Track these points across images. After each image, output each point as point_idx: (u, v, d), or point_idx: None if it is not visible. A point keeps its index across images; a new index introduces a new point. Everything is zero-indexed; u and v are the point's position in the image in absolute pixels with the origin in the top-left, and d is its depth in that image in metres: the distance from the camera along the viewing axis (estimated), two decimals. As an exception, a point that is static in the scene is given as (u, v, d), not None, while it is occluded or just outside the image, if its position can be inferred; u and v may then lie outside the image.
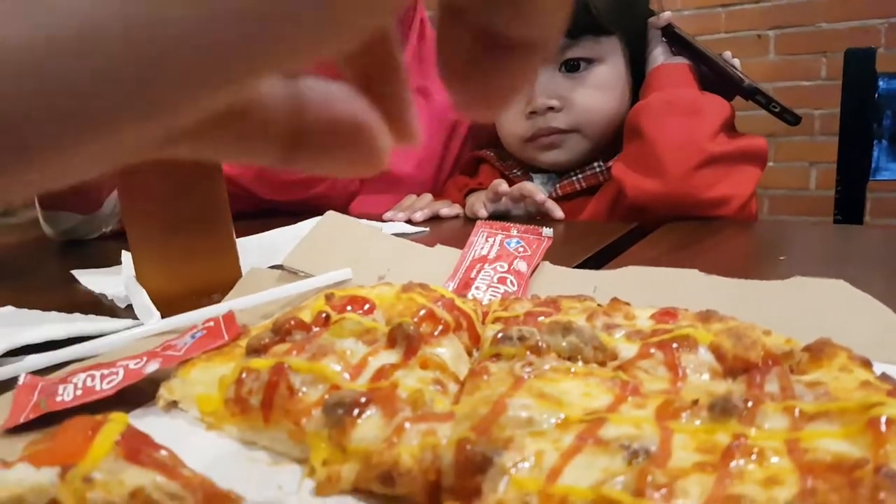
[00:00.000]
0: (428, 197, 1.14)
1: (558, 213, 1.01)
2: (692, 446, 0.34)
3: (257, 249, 0.84)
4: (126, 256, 0.69)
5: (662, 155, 0.90)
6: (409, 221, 1.02)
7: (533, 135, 1.07)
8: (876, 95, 1.43)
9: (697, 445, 0.34)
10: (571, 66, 1.03)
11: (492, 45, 0.20)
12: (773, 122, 1.02)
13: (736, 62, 1.01)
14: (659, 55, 1.02)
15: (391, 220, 1.04)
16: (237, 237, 0.70)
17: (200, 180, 0.65)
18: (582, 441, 0.34)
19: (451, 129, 1.26)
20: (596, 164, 1.08)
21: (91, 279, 0.77)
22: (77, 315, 0.62)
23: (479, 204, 1.06)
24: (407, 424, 0.35)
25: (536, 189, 1.03)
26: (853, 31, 2.37)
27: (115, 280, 0.71)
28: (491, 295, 0.59)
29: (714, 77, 0.99)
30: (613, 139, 1.04)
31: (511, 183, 1.13)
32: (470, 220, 1.04)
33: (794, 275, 0.62)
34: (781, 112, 0.98)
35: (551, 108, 1.03)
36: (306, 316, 0.46)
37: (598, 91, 1.03)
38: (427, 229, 0.97)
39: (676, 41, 1.01)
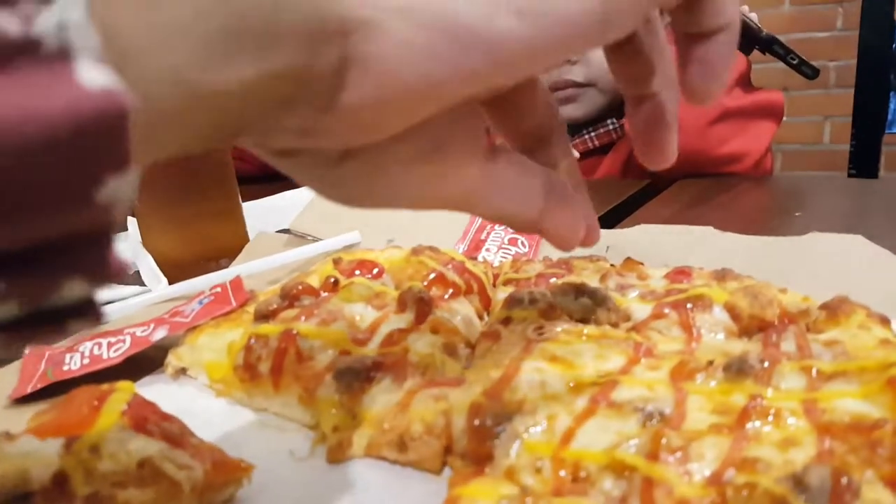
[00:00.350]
0: None
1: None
2: (708, 408, 0.33)
3: (264, 213, 0.83)
4: (131, 222, 0.68)
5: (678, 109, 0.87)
6: None
7: (548, 88, 1.04)
8: (893, 45, 1.39)
9: (713, 407, 0.33)
10: None
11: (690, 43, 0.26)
12: (787, 76, 0.99)
13: (753, 16, 0.98)
14: None
15: None
16: (242, 201, 0.69)
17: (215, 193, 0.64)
18: (595, 404, 0.33)
19: None
20: (609, 121, 1.06)
21: (99, 246, 0.77)
22: (84, 283, 0.62)
23: None
24: (419, 389, 0.35)
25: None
26: (870, -22, 2.30)
27: (121, 246, 0.71)
28: (502, 257, 0.58)
29: None
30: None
31: None
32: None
33: (810, 230, 0.61)
34: (800, 64, 0.95)
35: (567, 61, 1.01)
36: (314, 281, 0.46)
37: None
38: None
39: None
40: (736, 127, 0.87)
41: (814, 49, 2.32)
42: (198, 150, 0.20)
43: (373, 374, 0.36)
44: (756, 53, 0.97)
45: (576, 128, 1.09)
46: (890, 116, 1.36)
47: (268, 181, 1.12)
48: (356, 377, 0.35)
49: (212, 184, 0.64)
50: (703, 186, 0.84)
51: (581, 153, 1.08)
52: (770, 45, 0.94)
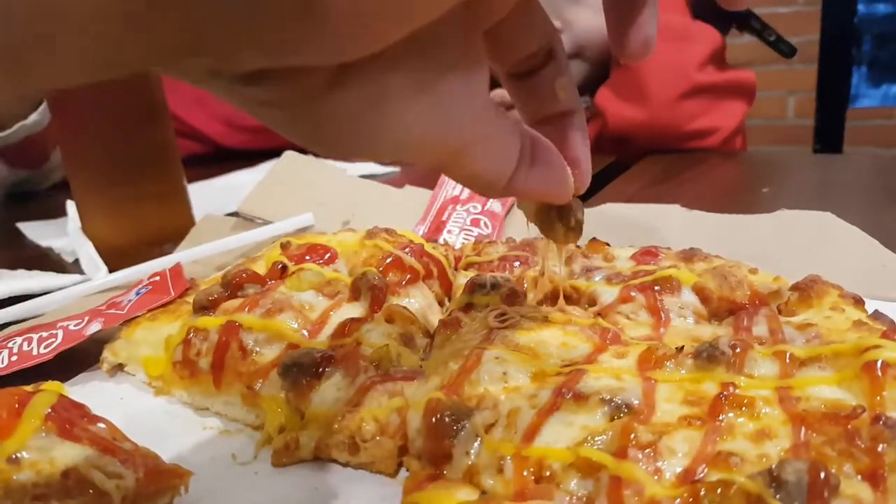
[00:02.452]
0: None
1: None
2: (678, 398, 0.31)
3: (213, 195, 0.79)
4: (71, 207, 0.64)
5: (647, 81, 0.86)
6: None
7: None
8: (855, 21, 1.39)
9: (683, 396, 0.31)
10: None
11: None
12: (751, 50, 0.98)
13: None
14: None
15: None
16: (190, 182, 0.65)
17: (145, 122, 0.60)
18: (560, 396, 0.31)
19: None
20: (584, 99, 1.03)
21: (37, 232, 0.73)
22: (20, 272, 0.58)
23: None
24: (371, 385, 0.32)
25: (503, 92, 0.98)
26: (832, -47, 2.30)
27: (62, 232, 0.67)
28: (464, 238, 0.56)
29: (708, 4, 0.94)
30: (607, 69, 0.99)
31: None
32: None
33: (778, 206, 0.60)
34: (777, 41, 0.94)
35: None
36: (260, 268, 0.43)
37: (597, 12, 0.98)
38: (398, 168, 0.93)
39: None
40: (706, 103, 0.85)
41: (776, 24, 2.32)
42: (122, 64, 0.16)
43: (322, 369, 0.33)
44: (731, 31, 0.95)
45: None
46: (853, 91, 1.36)
47: (219, 162, 1.08)
48: (303, 372, 0.33)
49: (154, 164, 0.60)
50: (670, 162, 0.82)
51: None
52: (747, 19, 0.92)
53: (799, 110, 2.37)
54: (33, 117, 0.84)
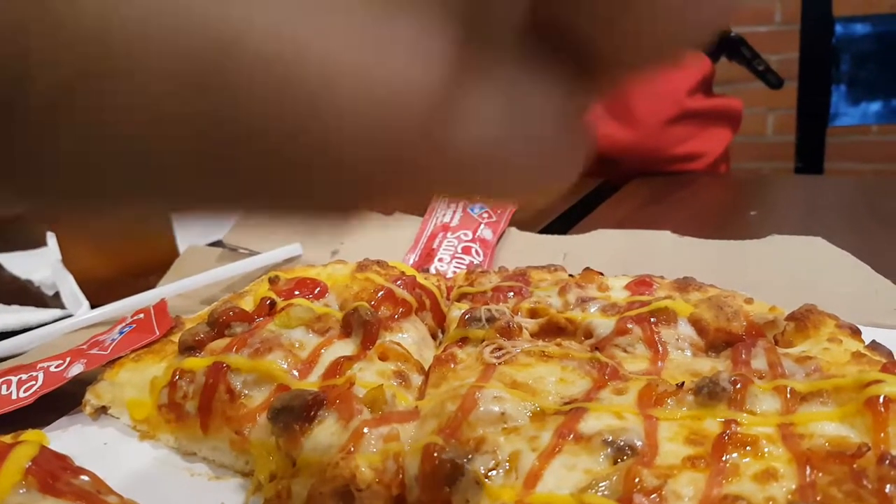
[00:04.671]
0: None
1: None
2: (681, 437, 0.31)
3: (197, 221, 0.77)
4: (51, 238, 0.63)
5: (637, 105, 0.86)
6: None
7: None
8: (833, 41, 1.41)
9: (686, 436, 0.31)
10: None
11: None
12: (731, 68, 0.99)
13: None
14: None
15: None
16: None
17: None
18: (561, 438, 0.30)
19: None
20: None
21: (17, 263, 0.71)
22: (-1, 306, 0.57)
23: None
24: (366, 429, 0.31)
25: None
26: (806, -27, 2.35)
27: (43, 263, 0.65)
28: (455, 267, 0.55)
29: None
30: None
31: None
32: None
33: (767, 229, 0.60)
34: (765, 72, 0.95)
35: None
36: (248, 304, 0.42)
37: None
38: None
39: None
40: (693, 129, 0.86)
41: (754, 43, 2.36)
42: None
43: (314, 413, 0.32)
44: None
45: None
46: (833, 109, 1.38)
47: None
48: (295, 417, 0.32)
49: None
50: (658, 184, 0.82)
51: None
52: (737, 47, 0.93)
53: (778, 127, 2.40)
54: None
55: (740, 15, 2.43)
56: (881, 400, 0.30)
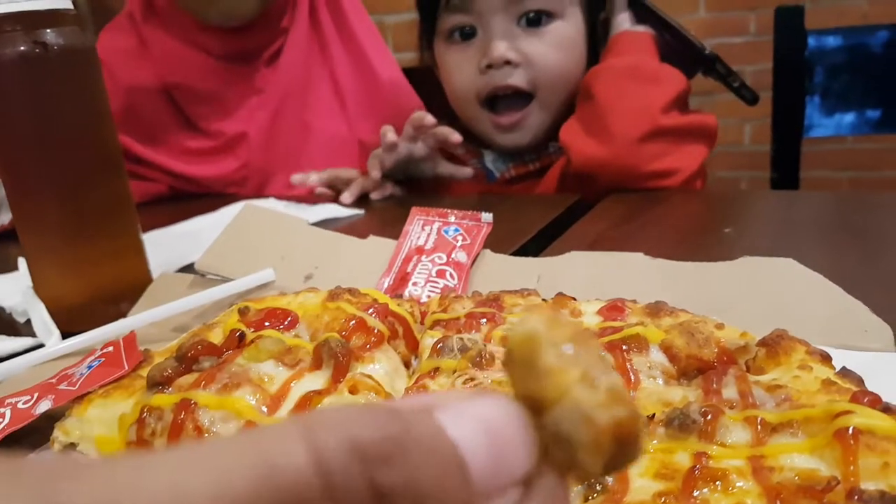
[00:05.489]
0: (352, 173, 1.05)
1: (455, 136, 0.97)
2: (651, 471, 0.31)
3: (171, 242, 0.77)
4: (22, 263, 0.61)
5: (611, 120, 0.86)
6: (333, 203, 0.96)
7: (489, 93, 1.00)
8: (806, 52, 1.43)
9: (657, 470, 0.31)
10: (531, 20, 0.97)
11: None
12: (707, 79, 1.00)
13: (703, 43, 0.98)
14: (623, 21, 0.97)
15: (301, 184, 0.99)
16: (146, 229, 0.63)
17: (101, 173, 0.58)
18: (531, 475, 0.30)
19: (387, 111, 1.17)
20: (551, 144, 1.03)
21: (-13, 288, 0.70)
22: (-33, 335, 0.56)
23: (373, 162, 0.99)
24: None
25: (423, 114, 0.98)
26: (780, -16, 2.39)
27: (14, 289, 0.64)
28: (430, 290, 0.55)
29: (677, 46, 0.95)
30: (569, 111, 0.98)
31: (459, 162, 1.08)
32: (408, 200, 0.99)
33: (740, 247, 0.60)
34: (740, 88, 0.95)
35: (508, 63, 0.97)
36: (217, 336, 0.41)
37: (557, 48, 0.98)
38: (362, 211, 0.92)
39: (641, 9, 0.97)
40: (667, 145, 0.86)
41: (730, 53, 2.38)
42: None
43: None
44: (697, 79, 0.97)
45: (517, 154, 1.06)
46: (807, 121, 1.40)
47: (175, 203, 1.06)
48: None
49: (109, 218, 0.58)
50: (632, 202, 0.83)
51: (521, 175, 1.05)
52: (712, 63, 0.94)
53: (756, 137, 2.43)
54: None
55: (717, 25, 2.46)
56: (850, 431, 0.30)
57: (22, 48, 0.52)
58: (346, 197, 0.97)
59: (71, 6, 0.56)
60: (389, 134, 0.96)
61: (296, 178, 1.01)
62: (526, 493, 0.15)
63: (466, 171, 1.04)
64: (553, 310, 0.46)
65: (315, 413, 0.15)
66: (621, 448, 0.15)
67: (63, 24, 0.55)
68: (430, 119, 0.96)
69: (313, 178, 0.99)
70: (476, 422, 0.15)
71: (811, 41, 1.42)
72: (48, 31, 0.53)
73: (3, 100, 0.53)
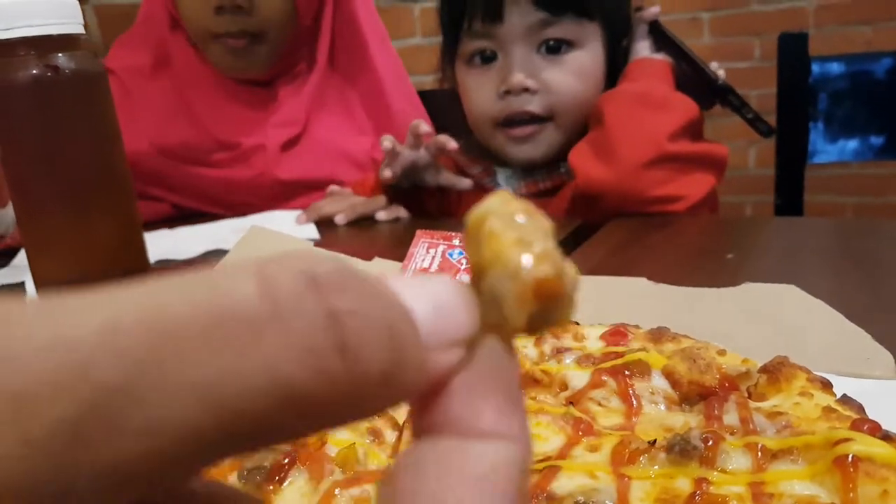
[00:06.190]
0: (346, 193, 1.06)
1: (452, 144, 0.98)
2: (652, 497, 0.31)
3: (172, 246, 0.79)
4: (29, 284, 0.62)
5: (617, 144, 0.87)
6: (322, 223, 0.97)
7: (506, 118, 1.01)
8: (810, 79, 1.44)
9: (657, 495, 0.31)
10: (550, 48, 0.98)
11: None
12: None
13: (721, 73, 0.99)
14: (642, 49, 0.98)
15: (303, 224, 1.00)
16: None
17: (109, 195, 0.59)
18: (534, 499, 0.30)
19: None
20: (562, 164, 1.04)
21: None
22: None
23: (382, 172, 1.00)
24: (337, 490, 0.31)
25: (419, 122, 0.99)
26: (783, 12, 2.41)
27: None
28: (431, 313, 0.55)
29: (692, 75, 0.96)
30: (584, 132, 0.99)
31: (472, 179, 1.09)
32: (412, 224, 0.99)
33: (742, 273, 0.61)
34: (754, 119, 0.96)
35: (527, 90, 0.98)
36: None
37: (575, 77, 0.99)
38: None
39: (661, 37, 0.98)
40: (673, 172, 0.86)
41: (734, 78, 2.41)
42: None
43: (285, 472, 0.32)
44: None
45: (528, 169, 1.07)
46: (811, 147, 1.41)
47: (183, 220, 1.07)
48: (265, 476, 0.32)
49: (117, 240, 0.58)
50: (635, 226, 0.83)
51: (532, 193, 1.06)
52: (726, 94, 0.95)
53: (760, 161, 2.44)
54: None
55: (722, 50, 2.48)
56: (850, 459, 0.30)
57: (34, 71, 0.53)
58: (341, 218, 0.98)
59: (83, 31, 0.57)
60: (386, 142, 0.98)
61: (300, 219, 1.01)
62: (469, 354, 0.15)
63: (466, 182, 1.05)
64: (555, 334, 0.46)
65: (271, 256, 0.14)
66: (544, 305, 0.15)
67: (75, 49, 0.56)
68: (424, 128, 0.98)
69: (339, 219, 0.99)
70: (419, 288, 0.15)
71: (815, 68, 1.43)
72: (60, 55, 0.55)
73: (16, 121, 0.54)
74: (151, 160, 1.13)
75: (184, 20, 1.11)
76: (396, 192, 1.03)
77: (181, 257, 0.79)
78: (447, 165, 1.09)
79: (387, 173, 0.99)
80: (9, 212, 0.89)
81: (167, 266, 0.78)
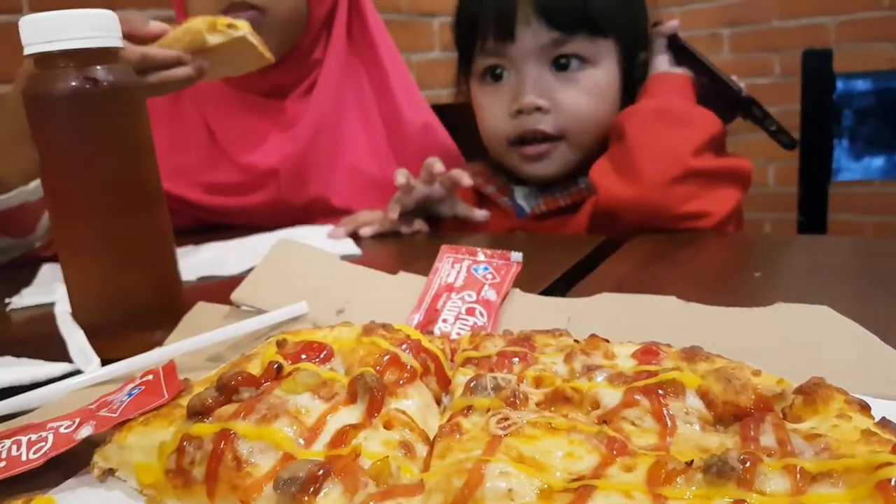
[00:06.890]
0: (376, 214, 1.05)
1: (465, 180, 0.98)
2: (689, 518, 0.31)
3: (202, 264, 0.80)
4: (61, 288, 0.63)
5: (641, 162, 0.86)
6: (355, 237, 0.97)
7: (518, 136, 1.01)
8: (834, 96, 1.43)
9: (695, 517, 0.31)
10: (562, 65, 0.98)
11: None
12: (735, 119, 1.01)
13: (734, 78, 0.99)
14: (661, 63, 0.98)
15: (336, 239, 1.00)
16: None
17: (142, 206, 0.59)
18: (569, 518, 0.30)
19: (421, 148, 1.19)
20: (581, 179, 1.04)
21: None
22: (8, 358, 0.57)
23: (392, 206, 0.99)
24: (371, 503, 0.31)
25: (434, 160, 0.99)
26: (804, 28, 2.40)
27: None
28: (459, 328, 0.55)
29: (714, 89, 0.96)
30: (600, 151, 0.98)
31: (489, 198, 1.09)
32: (437, 236, 1.00)
33: (771, 292, 0.60)
34: (777, 132, 0.95)
35: (539, 109, 0.98)
36: (255, 368, 0.42)
37: (588, 95, 0.99)
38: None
39: (680, 51, 0.98)
40: (698, 188, 0.86)
41: (754, 94, 2.40)
42: None
43: (319, 484, 0.32)
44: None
45: (546, 186, 1.07)
46: (835, 164, 1.40)
47: (196, 235, 1.08)
48: (300, 488, 0.32)
49: (148, 250, 0.59)
50: (659, 242, 0.83)
51: (552, 210, 1.06)
52: (748, 106, 0.94)
53: (780, 178, 2.42)
54: (33, 185, 0.83)
55: (742, 66, 2.47)
56: (893, 483, 0.30)
57: (73, 84, 0.54)
58: (367, 231, 0.98)
59: (121, 45, 0.58)
60: (400, 177, 0.98)
61: (331, 234, 1.01)
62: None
63: (482, 214, 1.05)
64: (585, 351, 0.46)
65: None
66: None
67: (113, 62, 0.57)
68: (438, 167, 0.98)
69: (366, 231, 0.99)
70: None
71: (839, 84, 1.43)
72: (98, 67, 0.55)
73: (55, 132, 0.55)
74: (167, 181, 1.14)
75: None
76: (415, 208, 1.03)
77: (223, 274, 0.79)
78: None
79: (394, 213, 0.99)
80: (38, 233, 0.90)
81: (209, 282, 0.79)
